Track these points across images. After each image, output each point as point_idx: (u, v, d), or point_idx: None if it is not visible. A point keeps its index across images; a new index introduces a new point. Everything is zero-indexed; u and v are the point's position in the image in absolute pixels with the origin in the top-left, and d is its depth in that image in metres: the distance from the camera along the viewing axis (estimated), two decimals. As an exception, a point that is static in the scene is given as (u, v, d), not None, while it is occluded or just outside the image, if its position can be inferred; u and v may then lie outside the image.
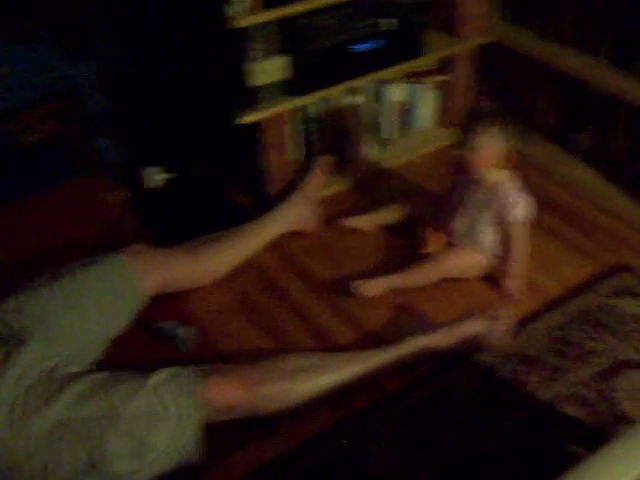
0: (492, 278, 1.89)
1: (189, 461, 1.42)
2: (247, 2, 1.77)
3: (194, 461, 1.43)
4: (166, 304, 1.82)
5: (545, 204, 1.83)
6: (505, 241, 1.83)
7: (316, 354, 1.63)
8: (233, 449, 1.51)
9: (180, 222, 2.06)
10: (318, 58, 1.94)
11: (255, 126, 1.97)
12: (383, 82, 2.25)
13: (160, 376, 1.44)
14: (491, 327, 1.66)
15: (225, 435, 1.49)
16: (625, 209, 2.12)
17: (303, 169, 2.16)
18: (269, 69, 1.89)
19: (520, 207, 1.77)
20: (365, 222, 2.09)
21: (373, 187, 2.29)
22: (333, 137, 2.24)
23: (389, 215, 2.08)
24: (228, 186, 2.21)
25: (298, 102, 2.01)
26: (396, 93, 2.31)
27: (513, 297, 1.82)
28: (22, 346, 1.43)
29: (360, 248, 2.05)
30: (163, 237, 1.94)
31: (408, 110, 2.38)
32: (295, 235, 2.06)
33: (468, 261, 1.87)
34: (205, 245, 1.88)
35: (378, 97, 2.27)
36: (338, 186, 2.26)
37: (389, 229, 2.09)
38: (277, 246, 2.03)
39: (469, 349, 1.68)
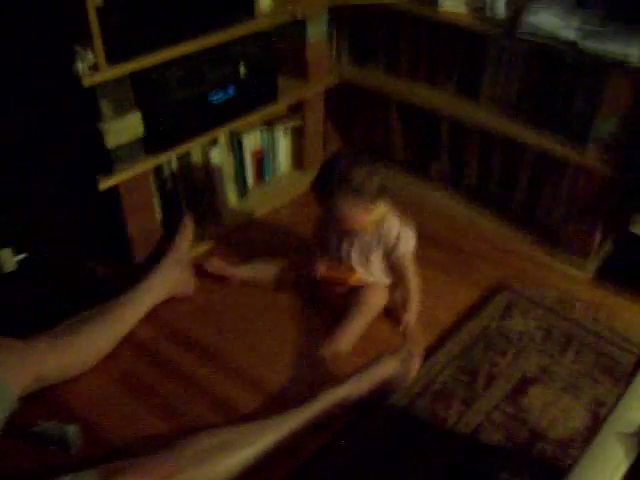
0: (387, 316, 1.87)
1: None
2: (91, 59, 1.62)
3: None
4: (40, 402, 1.58)
5: (417, 234, 1.85)
6: (397, 276, 1.83)
7: (226, 429, 1.47)
8: None
9: (39, 307, 1.80)
10: (173, 112, 1.82)
11: (114, 190, 1.80)
12: (238, 132, 2.18)
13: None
14: (402, 366, 1.61)
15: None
16: (490, 231, 2.21)
17: (169, 232, 2.01)
18: (124, 128, 1.73)
19: (406, 239, 1.76)
20: (230, 272, 1.96)
21: (240, 240, 2.19)
22: (194, 193, 2.12)
23: (255, 270, 1.97)
24: (90, 259, 1.99)
25: (157, 160, 1.87)
26: (252, 141, 2.24)
27: (413, 330, 1.81)
28: None
29: (240, 305, 1.93)
30: (21, 327, 1.68)
31: (265, 158, 2.33)
32: (169, 302, 1.90)
33: (378, 291, 1.83)
34: (74, 330, 1.66)
35: (235, 147, 2.19)
36: (205, 244, 2.13)
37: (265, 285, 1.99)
38: (152, 316, 1.84)
39: (383, 393, 1.62)
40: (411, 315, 1.82)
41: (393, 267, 1.82)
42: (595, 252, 2.07)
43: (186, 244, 1.96)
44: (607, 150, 1.87)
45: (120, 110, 1.72)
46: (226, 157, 2.16)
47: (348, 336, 1.75)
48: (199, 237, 2.08)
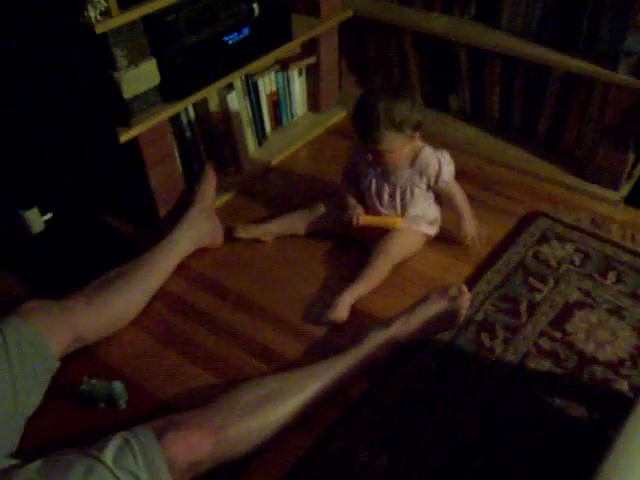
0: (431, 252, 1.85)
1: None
2: (102, 5, 1.55)
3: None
4: (82, 362, 1.57)
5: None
6: (445, 201, 1.82)
7: (273, 378, 1.45)
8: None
9: (69, 267, 1.77)
10: (189, 56, 1.74)
11: (134, 143, 1.75)
12: (253, 75, 2.10)
13: (108, 449, 1.21)
14: (452, 304, 1.57)
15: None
16: (516, 162, 2.16)
17: (190, 183, 1.96)
18: (140, 77, 1.66)
19: (445, 166, 1.73)
20: (261, 232, 1.91)
21: (261, 189, 2.14)
22: (213, 142, 2.06)
23: (287, 226, 1.92)
24: (115, 216, 1.95)
25: (175, 109, 1.80)
26: (267, 84, 2.17)
27: (478, 236, 1.81)
28: None
29: (270, 252, 1.90)
30: (53, 288, 1.66)
31: (281, 101, 2.26)
32: (199, 253, 1.86)
33: (412, 237, 1.80)
34: (107, 287, 1.63)
35: (251, 92, 2.12)
36: (227, 194, 2.09)
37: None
38: (183, 269, 1.82)
39: (433, 332, 1.60)
40: (469, 227, 1.80)
41: (440, 195, 1.80)
42: (627, 176, 2.02)
43: (209, 193, 1.91)
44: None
45: (135, 58, 1.65)
46: (243, 103, 2.10)
47: (350, 300, 1.68)
48: (220, 187, 2.03)
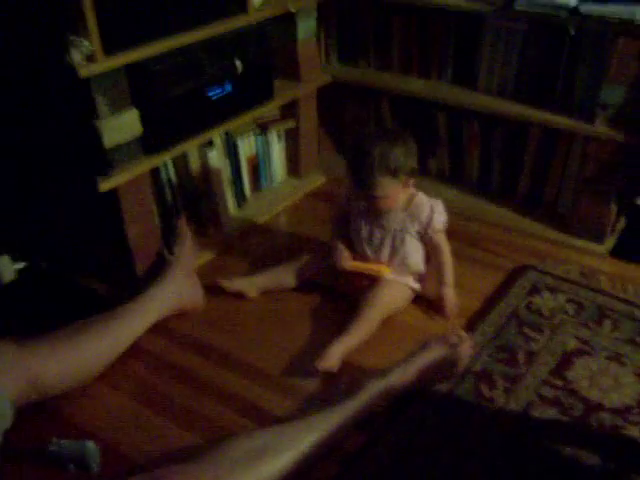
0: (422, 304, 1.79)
1: None
2: (86, 49, 1.53)
3: None
4: (53, 421, 1.44)
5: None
6: (431, 252, 1.75)
7: (266, 432, 1.34)
8: None
9: (36, 321, 1.65)
10: (172, 108, 1.72)
11: (112, 195, 1.69)
12: (233, 135, 2.09)
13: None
14: (452, 352, 1.50)
15: None
16: (500, 219, 2.16)
17: (169, 239, 1.89)
18: (121, 126, 1.63)
19: (437, 214, 1.69)
20: (247, 284, 1.85)
21: (242, 249, 2.08)
22: (193, 201, 2.01)
23: (273, 279, 1.86)
24: (91, 273, 1.85)
25: (156, 161, 1.76)
26: (247, 147, 2.16)
27: (454, 306, 1.74)
28: None
29: (253, 309, 1.81)
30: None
31: (260, 164, 2.24)
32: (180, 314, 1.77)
33: (400, 290, 1.74)
34: (73, 335, 1.51)
35: (231, 152, 2.10)
36: (207, 253, 2.01)
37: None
38: (161, 327, 1.71)
39: (432, 381, 1.51)
40: (449, 293, 1.74)
41: (427, 244, 1.74)
42: (610, 229, 2.02)
43: (186, 250, 1.81)
44: (617, 117, 1.83)
45: (117, 107, 1.61)
46: (223, 162, 2.07)
47: (341, 351, 1.59)
48: (199, 246, 1.96)
